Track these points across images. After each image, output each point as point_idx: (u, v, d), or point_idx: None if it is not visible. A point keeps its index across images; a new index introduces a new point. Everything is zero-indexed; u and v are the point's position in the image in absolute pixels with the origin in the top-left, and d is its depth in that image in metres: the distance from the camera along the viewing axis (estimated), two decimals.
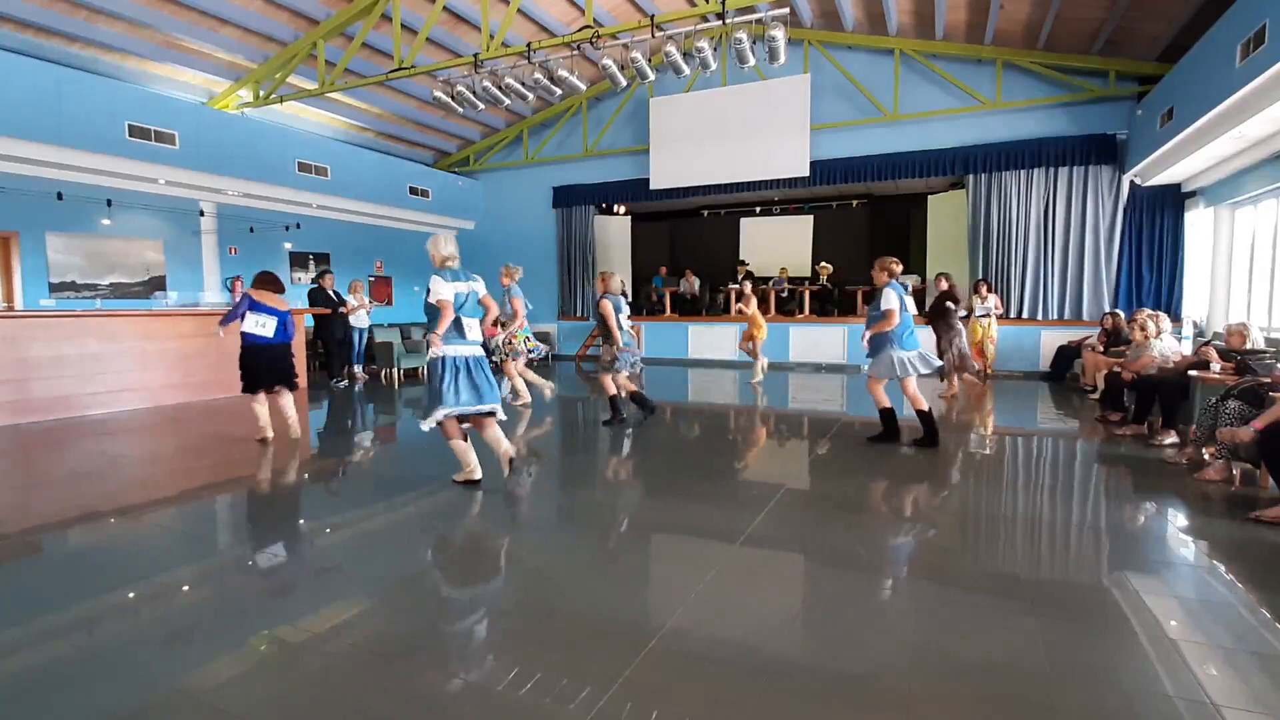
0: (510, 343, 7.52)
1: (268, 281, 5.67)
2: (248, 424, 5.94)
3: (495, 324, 7.47)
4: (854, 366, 11.24)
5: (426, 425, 4.22)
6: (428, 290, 4.15)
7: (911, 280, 12.52)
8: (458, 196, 14.36)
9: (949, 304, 8.06)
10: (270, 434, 5.75)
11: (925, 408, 5.37)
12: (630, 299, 14.74)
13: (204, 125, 9.59)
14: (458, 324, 4.17)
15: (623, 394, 6.47)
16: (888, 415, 5.53)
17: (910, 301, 5.37)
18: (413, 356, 10.17)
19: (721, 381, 9.84)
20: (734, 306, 9.57)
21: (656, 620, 2.58)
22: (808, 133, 11.42)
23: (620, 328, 6.27)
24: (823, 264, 13.19)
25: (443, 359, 4.14)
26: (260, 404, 5.71)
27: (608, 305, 6.27)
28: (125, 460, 5.32)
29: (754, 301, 9.69)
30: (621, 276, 11.41)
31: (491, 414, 4.31)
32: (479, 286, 4.32)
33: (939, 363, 5.74)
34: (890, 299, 5.20)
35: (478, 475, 4.39)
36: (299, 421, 5.92)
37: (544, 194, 14.22)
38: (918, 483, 4.73)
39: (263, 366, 5.61)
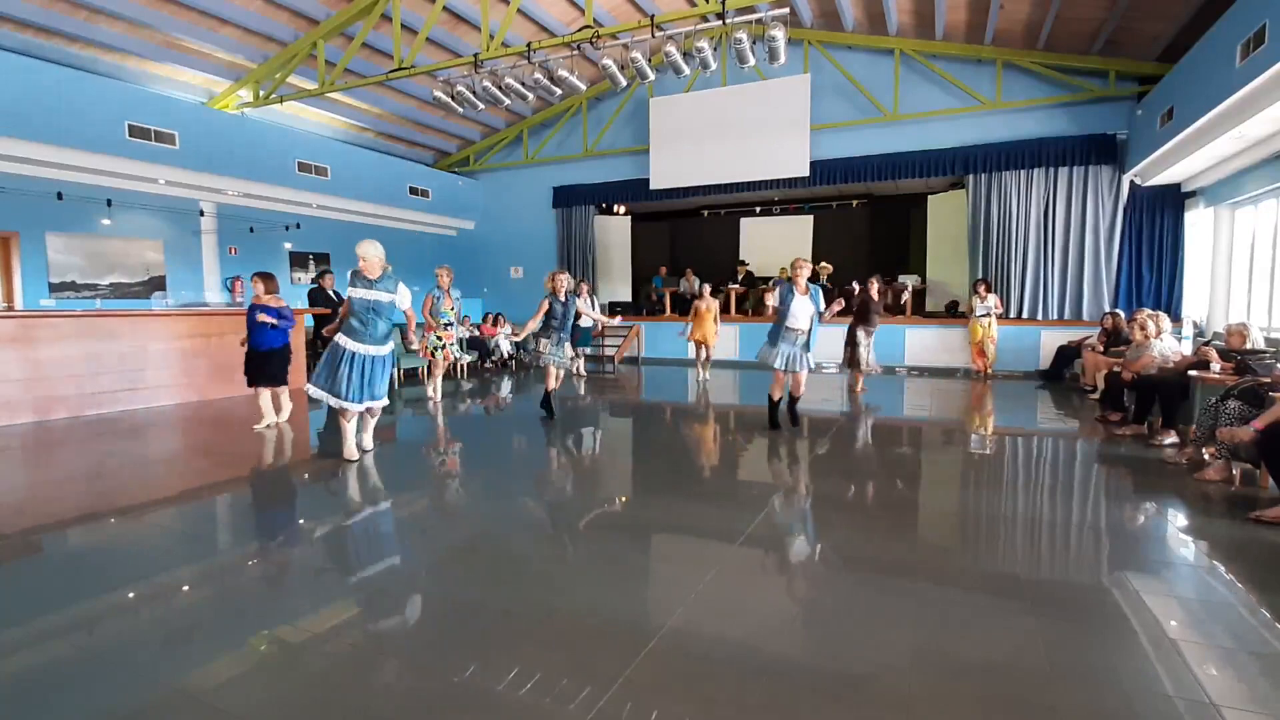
0: (446, 343, 8.03)
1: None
2: (250, 420, 6.34)
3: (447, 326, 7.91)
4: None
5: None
6: (390, 293, 4.85)
7: (912, 280, 12.52)
8: (458, 196, 14.35)
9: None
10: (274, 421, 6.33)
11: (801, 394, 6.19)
12: (631, 299, 14.87)
13: (204, 125, 9.59)
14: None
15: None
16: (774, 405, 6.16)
17: None
18: (411, 357, 10.16)
19: (721, 381, 9.84)
20: (699, 302, 9.70)
21: (656, 620, 2.57)
22: (808, 133, 11.42)
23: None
24: (823, 264, 13.17)
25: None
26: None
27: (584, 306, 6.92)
28: (126, 459, 5.31)
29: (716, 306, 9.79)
30: (577, 275, 11.85)
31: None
32: None
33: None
34: (820, 302, 5.76)
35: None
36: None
37: (544, 194, 14.21)
38: (918, 483, 4.74)
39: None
